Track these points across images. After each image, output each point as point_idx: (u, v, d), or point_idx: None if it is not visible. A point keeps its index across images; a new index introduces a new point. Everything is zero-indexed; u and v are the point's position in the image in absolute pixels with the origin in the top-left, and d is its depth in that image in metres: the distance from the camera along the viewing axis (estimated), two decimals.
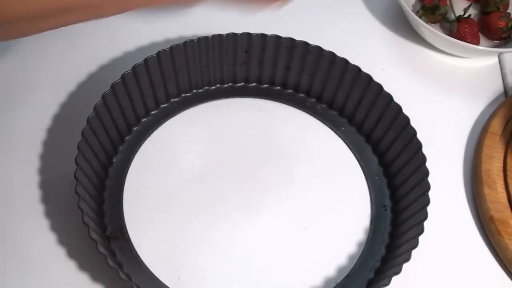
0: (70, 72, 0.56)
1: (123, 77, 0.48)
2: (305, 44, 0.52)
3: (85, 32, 0.60)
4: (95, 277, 0.44)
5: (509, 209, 0.48)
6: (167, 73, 0.51)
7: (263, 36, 0.52)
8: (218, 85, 0.55)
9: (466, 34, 0.60)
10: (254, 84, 0.56)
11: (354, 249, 0.46)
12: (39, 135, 0.51)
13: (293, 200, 0.49)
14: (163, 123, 0.52)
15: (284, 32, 0.52)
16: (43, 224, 0.46)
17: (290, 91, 0.56)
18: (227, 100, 0.55)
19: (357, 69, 0.51)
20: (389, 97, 0.50)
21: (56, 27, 0.37)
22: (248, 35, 0.51)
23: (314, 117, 0.54)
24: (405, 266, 0.41)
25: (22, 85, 0.55)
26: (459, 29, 0.61)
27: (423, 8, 0.62)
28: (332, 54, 0.51)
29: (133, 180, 0.48)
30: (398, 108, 0.49)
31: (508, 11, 0.63)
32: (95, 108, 0.46)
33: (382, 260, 0.46)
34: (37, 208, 0.47)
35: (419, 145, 0.47)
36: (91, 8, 0.36)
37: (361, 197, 0.50)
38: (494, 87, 0.60)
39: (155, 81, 0.50)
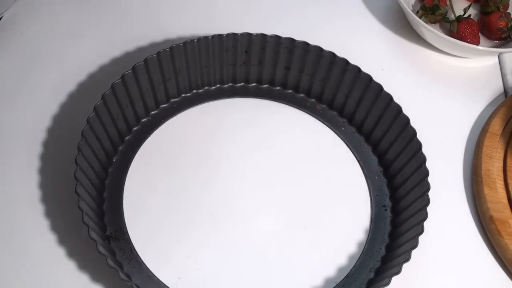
0: (70, 72, 0.56)
1: (123, 77, 0.48)
2: (305, 44, 0.52)
3: (85, 32, 0.60)
4: (95, 277, 0.44)
5: (509, 209, 0.48)
6: (167, 73, 0.51)
7: (263, 36, 0.52)
8: (218, 85, 0.55)
9: (466, 34, 0.60)
10: (254, 84, 0.56)
11: (354, 249, 0.46)
12: (39, 135, 0.51)
13: (293, 200, 0.49)
14: (163, 123, 0.52)
15: (284, 32, 0.52)
16: (43, 224, 0.46)
17: (290, 91, 0.56)
18: (227, 100, 0.55)
19: (357, 69, 0.51)
20: (389, 97, 0.50)
21: None
22: (248, 35, 0.51)
23: (314, 117, 0.54)
24: (405, 266, 0.41)
25: (22, 85, 0.55)
26: (459, 29, 0.61)
27: (423, 8, 0.62)
28: (332, 54, 0.51)
29: (133, 180, 0.48)
30: (398, 108, 0.49)
31: (508, 11, 0.63)
32: (95, 108, 0.46)
33: (382, 260, 0.46)
34: (37, 208, 0.47)
35: (419, 145, 0.47)
36: None
37: (361, 197, 0.50)
38: (494, 87, 0.60)
39: (155, 81, 0.50)
